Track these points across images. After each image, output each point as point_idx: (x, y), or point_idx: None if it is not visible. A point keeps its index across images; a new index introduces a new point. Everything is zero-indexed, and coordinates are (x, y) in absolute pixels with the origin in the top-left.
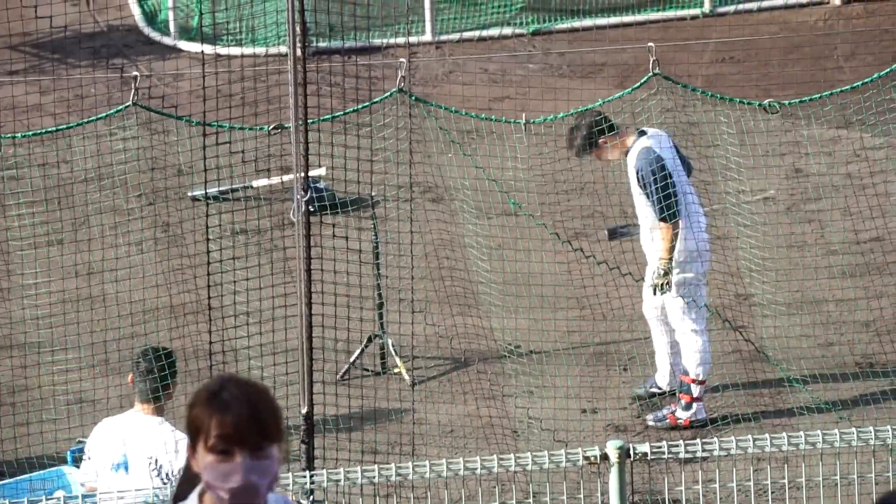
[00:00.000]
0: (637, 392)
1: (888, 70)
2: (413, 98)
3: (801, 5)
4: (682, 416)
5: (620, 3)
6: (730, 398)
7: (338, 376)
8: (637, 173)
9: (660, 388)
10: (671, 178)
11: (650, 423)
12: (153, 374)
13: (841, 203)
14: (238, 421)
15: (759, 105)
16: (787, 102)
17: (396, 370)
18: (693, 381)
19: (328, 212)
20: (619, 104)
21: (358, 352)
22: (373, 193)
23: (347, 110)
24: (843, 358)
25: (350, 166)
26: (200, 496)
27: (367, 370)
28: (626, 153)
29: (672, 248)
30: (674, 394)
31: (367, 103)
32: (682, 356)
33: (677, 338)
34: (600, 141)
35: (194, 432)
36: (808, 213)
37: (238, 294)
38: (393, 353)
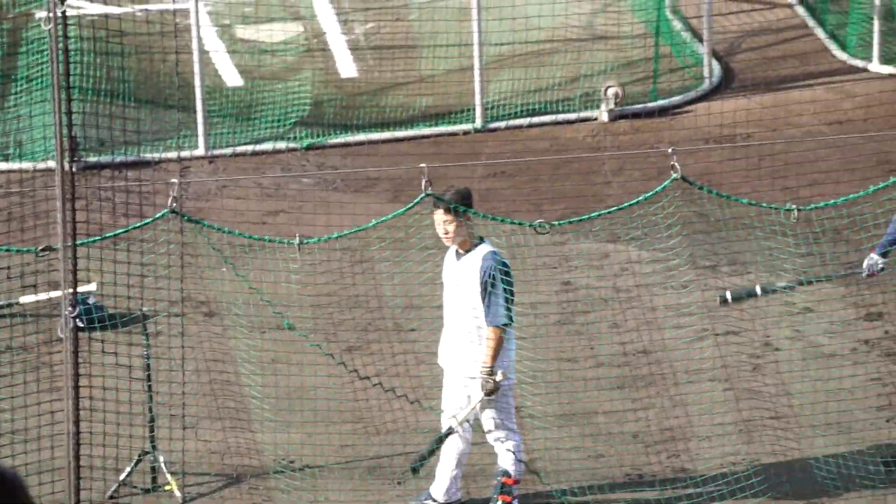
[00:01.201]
0: None
1: (653, 192)
2: (185, 218)
3: (570, 122)
4: None
5: (393, 118)
6: None
7: (107, 496)
8: (484, 273)
9: (435, 500)
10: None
11: None
12: None
13: (609, 316)
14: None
15: (530, 225)
16: (556, 223)
17: (168, 487)
18: (515, 481)
19: (97, 328)
20: (394, 221)
21: (128, 470)
22: (144, 309)
23: (118, 230)
24: (613, 470)
25: (120, 282)
26: None
27: (137, 488)
28: (466, 250)
29: (496, 356)
30: None
31: (138, 224)
32: (501, 459)
33: (493, 443)
34: (464, 213)
35: None
36: (577, 326)
37: (3, 412)
38: (164, 470)
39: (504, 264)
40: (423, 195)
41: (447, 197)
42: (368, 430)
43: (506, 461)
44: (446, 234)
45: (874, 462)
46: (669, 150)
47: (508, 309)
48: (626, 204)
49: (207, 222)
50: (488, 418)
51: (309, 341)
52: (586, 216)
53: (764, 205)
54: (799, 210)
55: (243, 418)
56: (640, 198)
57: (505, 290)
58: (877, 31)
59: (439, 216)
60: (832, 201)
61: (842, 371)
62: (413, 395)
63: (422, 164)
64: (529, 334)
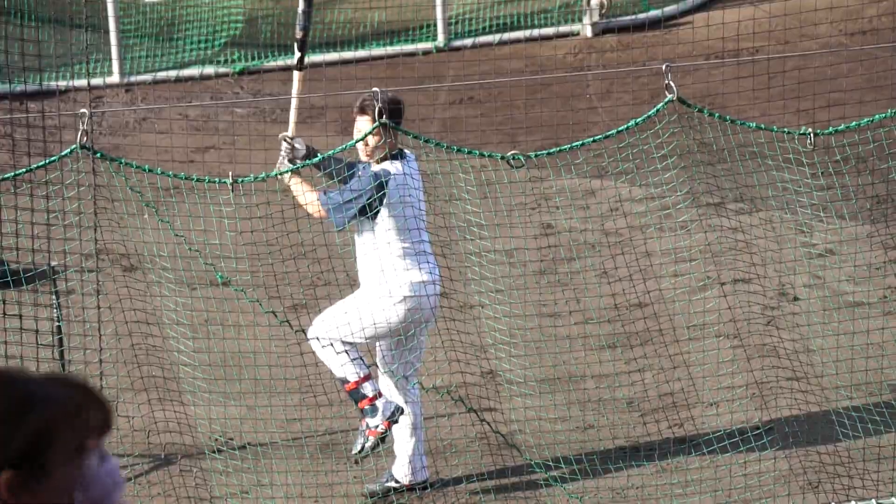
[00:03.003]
0: (370, 488)
1: (645, 116)
2: (98, 154)
3: (548, 38)
4: (374, 422)
5: (341, 37)
6: (476, 493)
7: None
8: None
9: (397, 482)
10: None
11: (365, 453)
12: None
13: (598, 264)
14: (84, 407)
15: (502, 157)
16: (533, 154)
17: None
18: (357, 384)
19: None
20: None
21: None
22: (52, 264)
23: (20, 171)
24: (604, 443)
25: (24, 232)
26: None
27: None
28: (395, 156)
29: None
30: (413, 489)
31: (43, 162)
32: (333, 367)
33: (316, 349)
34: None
35: (35, 450)
36: (561, 277)
37: None
38: None
39: (381, 177)
40: (376, 124)
41: (373, 104)
42: (319, 401)
43: (335, 365)
44: (366, 146)
45: None
46: (664, 67)
47: (343, 208)
48: (613, 131)
49: (125, 160)
50: (333, 316)
51: (247, 298)
52: (567, 146)
53: (775, 129)
54: (816, 135)
55: (173, 389)
56: (629, 123)
57: (353, 193)
58: None
59: (362, 124)
60: (854, 123)
61: (869, 322)
62: (369, 359)
63: (374, 88)
64: (506, 286)
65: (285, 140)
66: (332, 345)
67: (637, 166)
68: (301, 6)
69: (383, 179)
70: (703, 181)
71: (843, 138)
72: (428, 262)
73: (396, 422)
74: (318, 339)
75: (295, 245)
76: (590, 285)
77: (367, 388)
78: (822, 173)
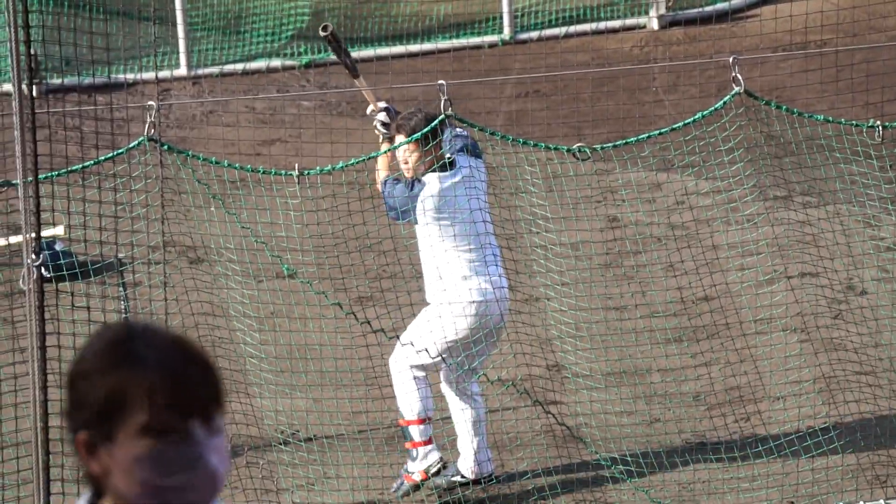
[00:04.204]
0: (437, 482)
1: (712, 109)
2: (165, 147)
3: (614, 31)
4: (413, 468)
5: (407, 30)
6: (542, 487)
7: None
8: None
9: (464, 477)
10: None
11: (397, 496)
12: None
13: (664, 258)
14: (186, 381)
15: (568, 150)
16: (598, 147)
17: None
18: (412, 422)
19: (66, 278)
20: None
21: None
22: (120, 256)
23: (87, 162)
24: (670, 437)
25: (92, 225)
26: None
27: None
28: (443, 166)
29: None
30: (479, 482)
31: (111, 154)
32: (398, 398)
33: (393, 377)
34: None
35: (110, 413)
36: (626, 270)
37: None
38: None
39: (415, 189)
40: (441, 116)
41: (411, 123)
42: (384, 394)
43: (403, 401)
44: (405, 163)
45: None
46: (731, 60)
47: (397, 202)
48: (680, 124)
49: (192, 152)
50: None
51: (313, 290)
52: (633, 139)
53: (843, 122)
54: (884, 127)
55: (239, 381)
56: (696, 115)
57: (404, 192)
58: None
59: (401, 141)
60: None
61: None
62: (435, 351)
63: (440, 81)
64: (572, 279)
65: (374, 116)
66: (405, 375)
67: (703, 159)
68: (330, 45)
69: (417, 191)
70: (770, 174)
71: None
72: (488, 272)
73: (436, 475)
74: (394, 365)
75: (361, 238)
76: (656, 279)
77: (418, 433)
78: (890, 166)
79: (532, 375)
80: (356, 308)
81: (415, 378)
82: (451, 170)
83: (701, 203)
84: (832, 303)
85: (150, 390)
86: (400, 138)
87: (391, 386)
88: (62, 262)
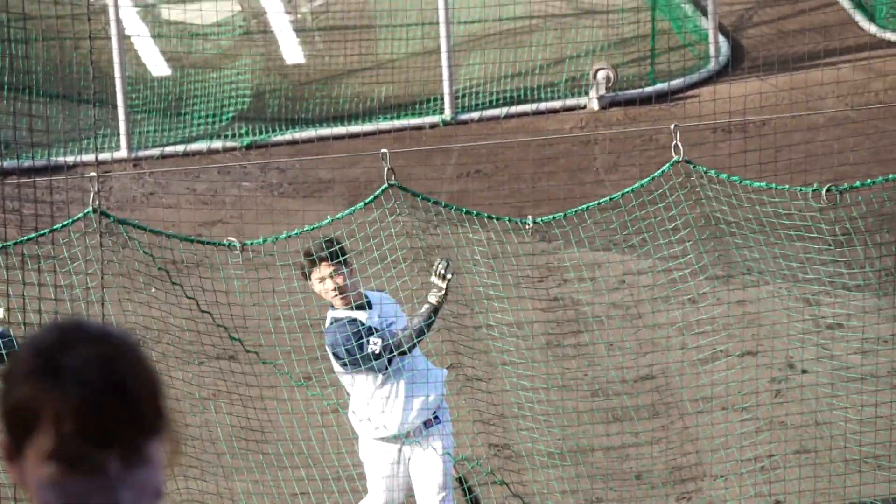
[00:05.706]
0: None
1: (651, 177)
2: (112, 219)
3: (554, 111)
4: None
5: (347, 111)
6: None
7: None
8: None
9: None
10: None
11: None
12: None
13: (606, 337)
14: (105, 407)
15: (510, 220)
16: (540, 220)
17: None
18: None
19: (4, 360)
20: (351, 221)
21: None
22: None
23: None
24: None
25: (31, 307)
26: None
27: None
28: (358, 304)
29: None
30: None
31: (56, 226)
32: None
33: None
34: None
35: (18, 426)
36: (569, 349)
37: None
38: None
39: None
40: (384, 186)
41: (321, 250)
42: (330, 475)
43: None
44: (338, 289)
45: None
46: (672, 127)
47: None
48: (620, 193)
49: (138, 222)
50: (429, 479)
51: (277, 369)
52: (573, 210)
53: (787, 187)
54: (829, 191)
55: (192, 464)
56: (636, 184)
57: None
58: None
59: (324, 272)
60: (868, 181)
61: (878, 396)
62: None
63: (382, 150)
64: (515, 358)
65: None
66: None
67: (646, 239)
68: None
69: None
70: (711, 252)
71: (855, 209)
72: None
73: None
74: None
75: (301, 321)
76: (598, 358)
77: None
78: (830, 247)
79: (476, 456)
80: (299, 389)
81: None
82: (369, 308)
83: (642, 282)
84: (773, 381)
85: (59, 415)
86: (322, 268)
87: (336, 466)
88: (2, 347)
